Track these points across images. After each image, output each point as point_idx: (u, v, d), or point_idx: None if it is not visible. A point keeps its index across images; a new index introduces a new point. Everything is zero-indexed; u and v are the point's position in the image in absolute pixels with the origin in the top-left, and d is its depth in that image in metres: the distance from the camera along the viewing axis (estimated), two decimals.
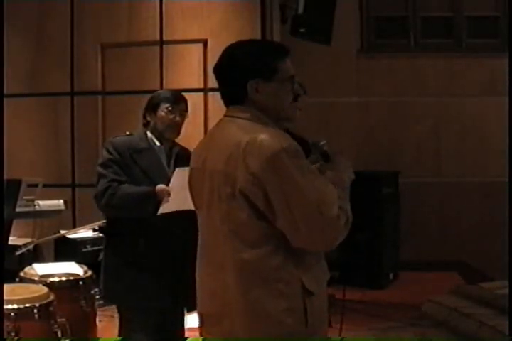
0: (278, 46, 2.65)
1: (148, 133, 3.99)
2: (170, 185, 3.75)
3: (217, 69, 2.56)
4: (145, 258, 3.78)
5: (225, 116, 2.55)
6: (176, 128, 3.99)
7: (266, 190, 2.29)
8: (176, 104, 3.98)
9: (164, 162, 3.96)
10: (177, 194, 3.61)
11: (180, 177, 3.60)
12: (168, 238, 3.77)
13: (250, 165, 2.29)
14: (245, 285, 2.35)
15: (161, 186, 3.77)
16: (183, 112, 4.00)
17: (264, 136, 2.32)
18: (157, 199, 3.75)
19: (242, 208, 2.33)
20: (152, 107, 3.99)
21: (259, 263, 2.34)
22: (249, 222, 2.34)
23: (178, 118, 3.96)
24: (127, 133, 4.05)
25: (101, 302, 4.69)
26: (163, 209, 3.73)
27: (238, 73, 2.47)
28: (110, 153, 3.86)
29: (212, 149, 2.50)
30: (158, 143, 3.97)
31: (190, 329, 4.20)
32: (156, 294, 3.79)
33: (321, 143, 2.69)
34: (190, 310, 3.94)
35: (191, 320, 4.42)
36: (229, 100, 2.55)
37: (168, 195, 3.71)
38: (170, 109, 3.93)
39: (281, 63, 2.50)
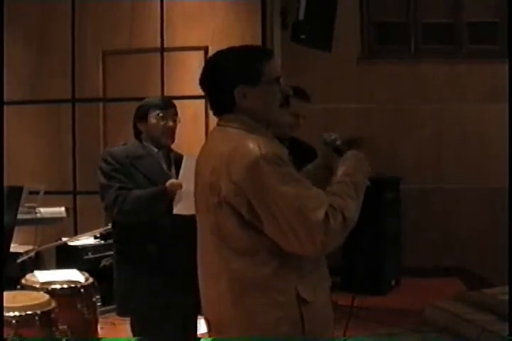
0: (260, 49, 2.66)
1: (144, 142, 3.97)
2: (180, 175, 3.74)
3: (202, 81, 2.56)
4: (157, 264, 3.77)
5: (217, 125, 2.54)
6: (170, 133, 3.97)
7: (249, 199, 2.27)
8: (166, 109, 3.95)
9: (165, 167, 3.95)
10: (188, 184, 3.58)
11: (188, 166, 3.60)
12: (179, 241, 3.75)
13: (232, 175, 2.28)
14: (238, 295, 2.34)
15: (171, 181, 3.77)
16: (174, 117, 3.98)
17: (245, 145, 2.31)
18: (168, 196, 3.74)
19: (229, 217, 2.32)
20: (142, 116, 3.95)
21: (250, 272, 2.33)
22: (237, 231, 2.32)
23: (170, 124, 3.94)
24: (122, 143, 4.04)
25: (102, 309, 4.70)
26: (178, 209, 3.72)
27: (224, 81, 2.46)
28: (110, 163, 3.82)
29: (202, 160, 2.51)
30: (155, 150, 3.96)
31: (202, 334, 4.21)
32: (170, 303, 3.77)
33: (332, 137, 2.67)
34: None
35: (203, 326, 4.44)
36: (218, 109, 2.54)
37: (180, 186, 3.70)
38: (161, 115, 3.91)
39: (266, 66, 2.47)
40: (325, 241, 2.23)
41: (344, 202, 2.30)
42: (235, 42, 2.63)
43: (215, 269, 2.42)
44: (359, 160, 2.53)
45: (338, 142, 2.67)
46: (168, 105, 3.99)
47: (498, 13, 9.16)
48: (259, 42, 7.04)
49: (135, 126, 4.01)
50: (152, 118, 3.91)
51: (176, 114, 4.00)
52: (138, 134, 4.01)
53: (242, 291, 2.34)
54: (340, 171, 2.46)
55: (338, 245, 2.31)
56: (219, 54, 2.55)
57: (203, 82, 2.56)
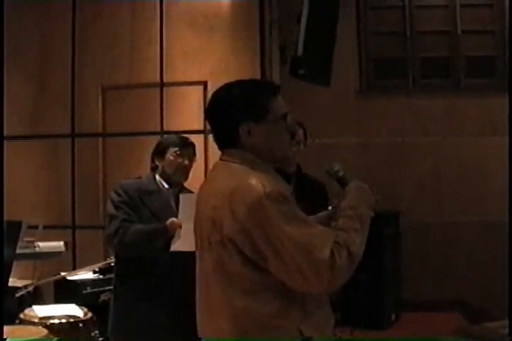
0: (267, 85, 2.59)
1: (157, 177, 4.04)
2: (179, 215, 3.77)
3: (207, 114, 2.53)
4: (156, 298, 3.79)
5: (219, 159, 2.52)
6: (185, 171, 4.05)
7: (253, 237, 2.24)
8: (184, 148, 4.04)
9: (173, 204, 3.99)
10: (187, 223, 3.59)
11: (187, 204, 3.62)
12: (178, 277, 3.76)
13: (235, 213, 2.26)
14: (240, 333, 2.30)
15: (171, 220, 3.79)
16: (192, 156, 4.07)
17: (248, 183, 2.28)
18: (168, 234, 3.77)
19: (232, 255, 2.29)
20: (160, 151, 4.05)
21: (253, 311, 2.29)
22: (240, 269, 2.30)
23: (186, 162, 4.02)
24: (136, 176, 4.12)
25: None
26: (176, 246, 3.74)
27: (228, 117, 2.42)
28: (120, 195, 3.91)
29: (204, 195, 2.48)
30: (166, 186, 4.01)
31: None
32: (166, 335, 3.78)
33: (335, 168, 2.64)
34: None
35: None
36: (222, 144, 2.51)
37: (180, 227, 3.73)
38: (178, 153, 4.00)
39: (272, 102, 2.45)
40: (332, 278, 2.21)
41: (349, 236, 2.28)
42: (235, 77, 2.62)
43: (216, 306, 2.38)
44: (362, 191, 2.52)
45: (341, 173, 2.64)
46: (187, 144, 4.09)
47: (497, 47, 9.23)
48: (258, 77, 7.07)
49: (152, 161, 4.10)
50: (170, 155, 4.02)
51: (194, 153, 4.09)
52: (154, 168, 4.11)
53: (245, 329, 2.30)
54: (344, 204, 2.44)
55: (345, 281, 2.27)
56: (225, 88, 2.52)
57: (208, 116, 2.53)
